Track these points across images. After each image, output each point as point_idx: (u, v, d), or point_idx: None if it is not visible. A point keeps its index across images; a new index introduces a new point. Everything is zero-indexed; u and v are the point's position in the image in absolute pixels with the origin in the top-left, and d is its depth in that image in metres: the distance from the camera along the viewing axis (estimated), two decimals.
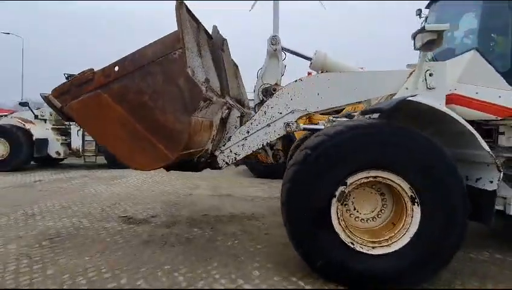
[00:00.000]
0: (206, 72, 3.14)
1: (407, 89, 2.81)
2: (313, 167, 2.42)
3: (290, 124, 3.05)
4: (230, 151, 3.27)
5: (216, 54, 3.59)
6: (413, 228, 2.38)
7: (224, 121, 3.56)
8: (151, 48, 2.66)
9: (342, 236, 2.41)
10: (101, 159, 9.95)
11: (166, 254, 3.09)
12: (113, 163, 9.16)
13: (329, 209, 2.40)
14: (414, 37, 2.52)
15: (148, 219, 4.30)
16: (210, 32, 3.64)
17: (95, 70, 2.71)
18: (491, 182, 2.49)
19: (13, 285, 2.44)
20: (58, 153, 9.53)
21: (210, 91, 2.94)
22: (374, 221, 2.65)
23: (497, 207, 2.79)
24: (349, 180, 2.40)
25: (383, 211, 2.64)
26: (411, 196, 2.38)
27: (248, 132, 3.22)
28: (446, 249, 2.35)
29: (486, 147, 2.41)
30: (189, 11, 2.89)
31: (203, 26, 3.25)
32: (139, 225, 4.06)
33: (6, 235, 3.58)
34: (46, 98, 2.98)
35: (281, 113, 3.14)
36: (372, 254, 2.41)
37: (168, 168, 3.34)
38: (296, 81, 3.23)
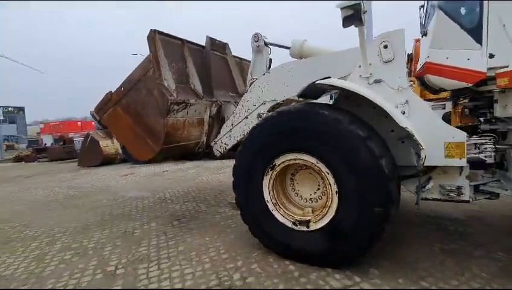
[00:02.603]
0: (190, 79, 3.92)
1: (360, 66, 2.68)
2: (247, 148, 2.79)
3: (261, 114, 3.38)
4: (221, 142, 3.90)
5: (206, 60, 4.27)
6: (333, 208, 2.41)
7: (219, 116, 4.22)
8: (138, 70, 3.65)
9: (269, 205, 2.72)
10: None
11: None
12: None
13: (262, 185, 2.73)
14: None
15: None
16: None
17: (112, 91, 3.87)
18: (421, 159, 2.32)
19: (156, 257, 2.97)
20: None
21: (187, 95, 3.67)
22: (318, 201, 2.73)
23: (496, 190, 2.57)
24: (277, 162, 2.65)
25: (324, 193, 2.64)
26: (327, 172, 2.42)
27: (232, 124, 3.75)
28: (365, 229, 2.28)
29: (401, 122, 2.26)
30: (167, 34, 3.70)
31: (187, 41, 4.05)
32: None
33: (150, 215, 4.43)
34: (92, 114, 4.25)
35: (254, 105, 3.51)
36: (291, 228, 2.62)
37: (175, 158, 4.59)
38: (264, 74, 3.52)
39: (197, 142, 4.05)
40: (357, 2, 2.18)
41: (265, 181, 2.72)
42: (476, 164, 2.53)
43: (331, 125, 2.34)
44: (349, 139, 2.27)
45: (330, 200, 2.44)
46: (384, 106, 2.29)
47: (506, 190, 2.52)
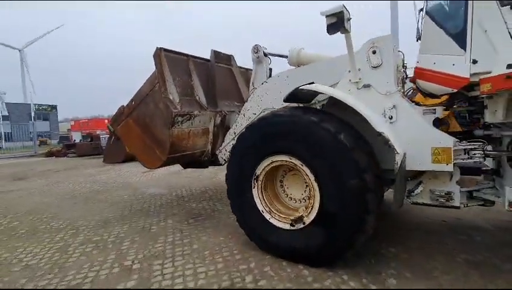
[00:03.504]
0: (195, 91, 4.09)
1: (349, 71, 2.72)
2: (236, 154, 2.97)
3: None
4: (225, 150, 3.99)
5: (211, 73, 4.43)
6: (318, 197, 2.47)
7: (223, 126, 4.33)
8: (146, 85, 3.90)
9: (260, 208, 2.83)
10: None
11: None
12: None
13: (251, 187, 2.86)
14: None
15: None
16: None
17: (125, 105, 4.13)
18: (396, 164, 2.31)
19: (170, 254, 3.02)
20: None
21: (191, 107, 3.85)
22: (309, 198, 2.68)
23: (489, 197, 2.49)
24: (259, 168, 2.80)
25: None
26: (300, 165, 2.53)
27: (235, 133, 3.82)
28: (350, 206, 2.29)
29: (377, 127, 2.33)
30: (172, 51, 3.92)
31: (192, 56, 4.28)
32: None
33: (167, 212, 4.54)
34: (107, 126, 4.51)
35: (255, 114, 3.57)
36: (281, 227, 2.72)
37: (183, 166, 4.78)
38: (262, 83, 3.62)
39: (202, 151, 4.22)
40: (340, 10, 2.23)
41: (255, 192, 2.85)
42: (472, 170, 2.51)
43: (290, 122, 2.55)
44: (306, 128, 2.44)
45: (313, 189, 2.51)
46: (360, 110, 2.35)
47: (499, 197, 2.42)
